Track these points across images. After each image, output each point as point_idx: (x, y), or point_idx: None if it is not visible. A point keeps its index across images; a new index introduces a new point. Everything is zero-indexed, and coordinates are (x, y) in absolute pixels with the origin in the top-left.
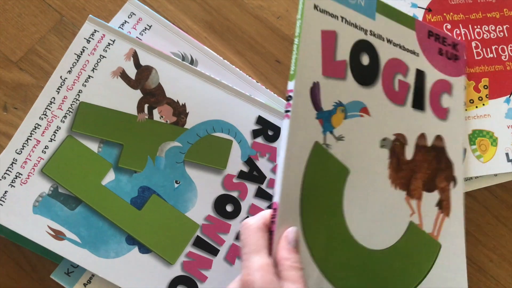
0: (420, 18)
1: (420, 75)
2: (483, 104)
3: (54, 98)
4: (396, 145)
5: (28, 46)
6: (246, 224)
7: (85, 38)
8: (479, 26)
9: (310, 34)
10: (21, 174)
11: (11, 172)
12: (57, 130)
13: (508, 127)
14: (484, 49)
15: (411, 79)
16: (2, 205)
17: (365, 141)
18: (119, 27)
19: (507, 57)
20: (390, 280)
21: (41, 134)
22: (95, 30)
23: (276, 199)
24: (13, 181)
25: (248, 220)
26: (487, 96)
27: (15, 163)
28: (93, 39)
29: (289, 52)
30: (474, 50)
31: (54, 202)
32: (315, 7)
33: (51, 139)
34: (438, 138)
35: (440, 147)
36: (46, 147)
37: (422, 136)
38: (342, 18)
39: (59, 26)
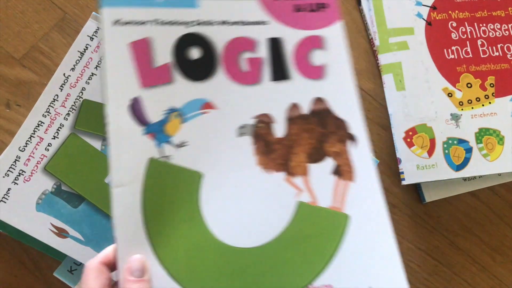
0: (425, 16)
1: (274, 43)
2: (490, 103)
3: (57, 95)
4: (259, 127)
5: (31, 43)
6: (86, 266)
7: (88, 36)
8: (484, 24)
9: (115, 52)
10: (24, 172)
11: (14, 169)
12: (60, 128)
13: None
14: (490, 47)
15: (263, 52)
16: (5, 202)
17: (218, 136)
18: None
19: None
20: (281, 273)
21: (44, 131)
22: (98, 27)
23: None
24: (16, 179)
25: (89, 261)
26: (493, 94)
27: (18, 161)
28: (96, 36)
29: None
30: (480, 48)
31: (57, 200)
32: (116, 22)
33: (54, 136)
34: (318, 101)
35: (323, 109)
36: (49, 144)
37: (294, 107)
38: (154, 21)
39: (62, 24)
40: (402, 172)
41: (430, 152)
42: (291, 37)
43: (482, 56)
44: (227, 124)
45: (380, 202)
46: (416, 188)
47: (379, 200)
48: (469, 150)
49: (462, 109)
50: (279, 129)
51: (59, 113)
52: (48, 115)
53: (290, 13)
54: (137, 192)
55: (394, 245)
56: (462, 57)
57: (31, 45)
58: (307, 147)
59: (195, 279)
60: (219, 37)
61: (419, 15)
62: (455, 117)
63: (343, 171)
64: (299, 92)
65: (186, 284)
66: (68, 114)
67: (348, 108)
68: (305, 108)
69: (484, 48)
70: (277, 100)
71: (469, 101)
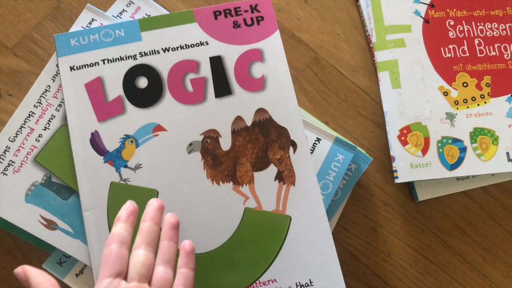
0: (423, 14)
1: (215, 62)
2: (485, 102)
3: (49, 86)
4: (207, 143)
5: (23, 32)
6: None
7: (82, 27)
8: (482, 23)
9: (75, 95)
10: (14, 162)
11: (3, 160)
12: (52, 119)
13: (509, 126)
14: (487, 47)
15: (206, 71)
16: None
17: (170, 155)
18: (117, 15)
19: (510, 56)
20: (231, 273)
21: (35, 122)
22: (92, 18)
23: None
24: (6, 169)
25: None
26: (489, 94)
27: (8, 151)
28: (90, 27)
29: (288, 45)
30: (477, 48)
31: (47, 192)
32: (72, 68)
33: (45, 127)
34: (259, 111)
35: (264, 119)
36: (40, 135)
37: (238, 119)
38: (103, 60)
39: (55, 13)
40: (396, 171)
41: (424, 151)
42: (231, 53)
43: (478, 55)
44: (177, 143)
45: (319, 203)
46: (409, 187)
47: (318, 201)
48: (463, 150)
49: (457, 108)
50: (226, 142)
51: (51, 104)
52: (40, 105)
53: (229, 30)
54: (103, 212)
55: (331, 242)
56: (458, 56)
57: (24, 34)
58: (252, 157)
59: None
60: (163, 64)
61: (416, 12)
62: (450, 116)
63: (285, 177)
64: (242, 105)
65: None
66: (59, 105)
67: (289, 115)
68: (249, 119)
69: (481, 47)
70: (222, 115)
71: (465, 101)
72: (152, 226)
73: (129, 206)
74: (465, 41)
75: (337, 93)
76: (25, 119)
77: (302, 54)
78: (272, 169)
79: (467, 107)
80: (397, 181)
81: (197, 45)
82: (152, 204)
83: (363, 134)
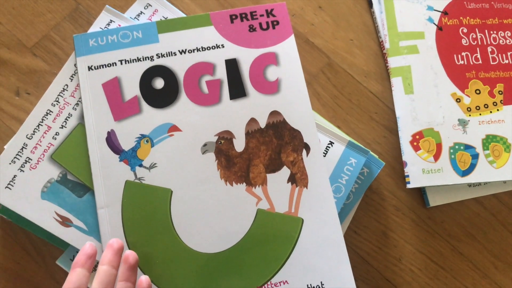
0: (436, 21)
1: (231, 64)
2: (498, 110)
3: (67, 85)
4: (221, 144)
5: (43, 32)
6: None
7: (100, 28)
8: (495, 32)
9: (92, 94)
10: (31, 159)
11: (21, 156)
12: (69, 117)
13: None
14: (499, 55)
15: (221, 73)
16: (10, 189)
17: (184, 155)
18: (135, 17)
19: None
20: (243, 273)
21: (53, 120)
22: (111, 20)
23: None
24: (23, 166)
25: None
26: (502, 101)
27: (25, 148)
28: (108, 28)
29: (302, 50)
30: (490, 55)
31: (62, 189)
32: (90, 68)
33: (62, 125)
34: (273, 114)
35: (278, 121)
36: (57, 133)
37: (252, 121)
38: (121, 61)
39: (74, 14)
40: (408, 176)
41: (436, 157)
42: (247, 56)
43: (491, 63)
44: (192, 143)
45: (332, 206)
46: (421, 192)
47: (330, 204)
48: (475, 156)
49: (469, 115)
50: (240, 144)
51: (68, 103)
52: (57, 104)
53: (245, 34)
54: (118, 210)
55: (343, 245)
56: (471, 63)
57: (43, 35)
58: (265, 159)
59: (170, 282)
60: (180, 65)
61: (430, 19)
62: (463, 123)
63: (298, 179)
64: (256, 107)
65: (163, 286)
66: (77, 104)
67: (302, 118)
68: (263, 121)
69: (494, 55)
70: (236, 116)
71: (477, 108)
72: (109, 269)
73: (87, 249)
74: (478, 48)
75: (350, 98)
76: (43, 117)
77: (316, 59)
78: (285, 171)
79: (480, 114)
80: (408, 186)
81: (213, 47)
82: (111, 246)
83: (375, 139)
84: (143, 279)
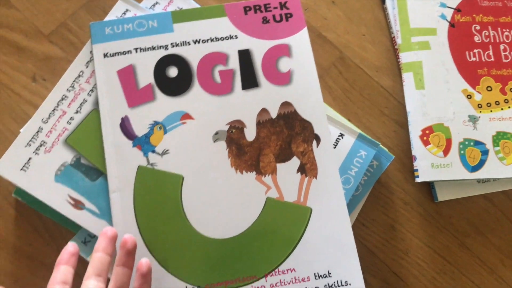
0: (449, 18)
1: (244, 55)
2: (509, 107)
3: (82, 72)
4: (232, 132)
5: (60, 20)
6: None
7: (116, 16)
8: (508, 30)
9: (107, 80)
10: (46, 143)
11: (36, 140)
12: (83, 103)
13: None
14: None
15: (234, 64)
16: (25, 171)
17: (196, 143)
18: (151, 7)
19: None
20: (251, 259)
21: (68, 105)
22: (126, 9)
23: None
24: (38, 149)
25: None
26: None
27: (41, 132)
28: (124, 17)
29: (314, 43)
30: (502, 53)
31: (76, 172)
32: (105, 55)
33: (77, 111)
34: (284, 104)
35: (289, 112)
36: (72, 118)
37: (263, 111)
38: (136, 49)
39: (91, 3)
40: (417, 170)
41: (446, 152)
42: (260, 48)
43: (504, 60)
44: (204, 131)
45: (341, 197)
46: (429, 187)
47: (339, 195)
48: (485, 152)
49: (480, 112)
50: (251, 133)
51: (84, 89)
52: (73, 89)
53: (258, 25)
54: (130, 195)
55: (351, 235)
56: (483, 60)
57: (60, 22)
58: (275, 148)
59: (179, 266)
60: (194, 55)
61: (442, 16)
62: (473, 119)
63: (307, 169)
64: (268, 97)
65: (172, 271)
66: (92, 90)
67: (313, 109)
68: (274, 112)
69: (507, 53)
70: (248, 106)
71: (488, 104)
72: (103, 256)
73: (70, 247)
74: (490, 46)
75: (361, 92)
76: (58, 102)
77: (328, 52)
78: (295, 161)
79: (491, 111)
80: (417, 180)
81: (227, 38)
82: (105, 234)
83: (385, 133)
84: (143, 262)
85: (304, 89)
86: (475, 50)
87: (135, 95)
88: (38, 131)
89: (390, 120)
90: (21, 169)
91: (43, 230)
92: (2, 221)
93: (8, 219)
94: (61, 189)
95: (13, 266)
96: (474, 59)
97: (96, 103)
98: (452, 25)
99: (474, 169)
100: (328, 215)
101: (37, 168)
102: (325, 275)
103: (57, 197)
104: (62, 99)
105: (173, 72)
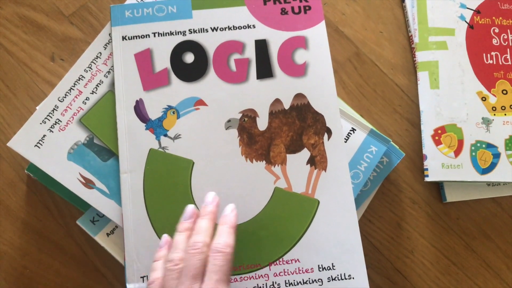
0: (468, 19)
1: (260, 45)
2: None
3: (100, 53)
4: (244, 121)
5: (81, 2)
6: None
7: (136, 0)
8: None
9: (124, 63)
10: (60, 121)
11: (51, 118)
12: (100, 84)
13: None
14: None
15: (250, 53)
16: (39, 148)
17: (208, 129)
18: None
19: None
20: (257, 247)
21: (84, 85)
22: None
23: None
24: (52, 127)
25: None
26: None
27: (56, 110)
28: (144, 1)
29: (331, 38)
30: None
31: (88, 152)
32: (124, 38)
33: (92, 91)
34: (298, 96)
35: (302, 104)
36: (87, 98)
37: (277, 102)
38: (154, 33)
39: None
40: (427, 169)
41: (457, 152)
42: (276, 38)
43: None
44: (216, 118)
45: (349, 191)
46: (438, 187)
47: (347, 188)
48: (497, 156)
49: (494, 114)
50: (263, 123)
51: (100, 70)
52: (90, 70)
53: (276, 16)
54: (140, 176)
55: (357, 230)
56: (500, 63)
57: (81, 4)
58: (286, 139)
59: None
60: (211, 42)
61: (462, 17)
62: (487, 122)
63: (317, 161)
64: (282, 88)
65: None
66: (108, 72)
67: (326, 103)
68: (287, 103)
69: None
70: (261, 96)
71: (503, 108)
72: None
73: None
74: (508, 49)
75: (375, 89)
76: (75, 81)
77: (344, 47)
78: (305, 153)
79: (505, 114)
80: (427, 179)
81: (244, 27)
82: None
83: (397, 131)
84: (228, 209)
85: (318, 82)
86: (493, 53)
87: (151, 79)
88: (53, 109)
89: (402, 118)
90: (35, 146)
91: (53, 207)
92: (14, 196)
93: (20, 194)
94: (73, 168)
95: (22, 240)
96: (491, 61)
97: (112, 85)
98: (471, 26)
99: (485, 171)
100: (335, 209)
101: (50, 146)
102: (329, 268)
103: (68, 175)
104: (79, 79)
105: (189, 58)
